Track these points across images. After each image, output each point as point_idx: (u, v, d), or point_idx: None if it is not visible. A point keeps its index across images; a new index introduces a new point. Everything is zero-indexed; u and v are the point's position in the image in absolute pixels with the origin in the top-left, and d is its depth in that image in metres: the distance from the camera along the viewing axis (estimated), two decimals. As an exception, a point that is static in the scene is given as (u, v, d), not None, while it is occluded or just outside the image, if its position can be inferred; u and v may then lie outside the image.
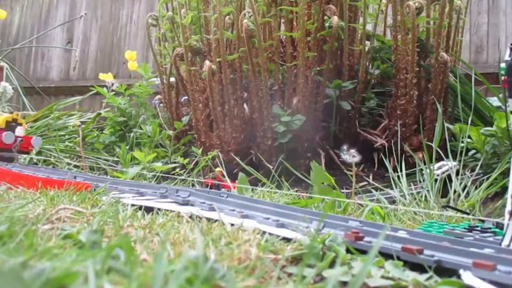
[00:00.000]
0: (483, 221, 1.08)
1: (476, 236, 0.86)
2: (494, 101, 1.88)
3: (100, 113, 2.71)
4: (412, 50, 1.77)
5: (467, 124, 1.62)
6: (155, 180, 1.88)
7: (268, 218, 0.94)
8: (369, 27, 2.05)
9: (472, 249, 0.72)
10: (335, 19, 1.75)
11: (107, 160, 2.31)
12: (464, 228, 0.92)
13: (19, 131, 1.85)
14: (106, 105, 2.73)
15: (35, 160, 2.35)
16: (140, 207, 1.09)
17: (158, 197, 1.20)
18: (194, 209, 1.06)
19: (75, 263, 0.48)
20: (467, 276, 0.62)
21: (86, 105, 3.53)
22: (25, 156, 2.07)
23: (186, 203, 1.13)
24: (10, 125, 1.84)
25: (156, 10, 2.51)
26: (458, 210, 1.21)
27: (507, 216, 0.78)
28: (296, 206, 1.22)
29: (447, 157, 1.56)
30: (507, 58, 0.79)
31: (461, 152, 1.53)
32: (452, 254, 0.70)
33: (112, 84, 2.80)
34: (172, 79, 2.35)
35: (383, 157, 1.75)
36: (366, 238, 0.79)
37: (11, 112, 1.97)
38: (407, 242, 0.75)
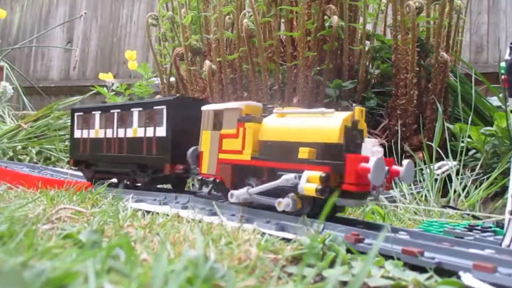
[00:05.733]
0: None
1: (476, 235, 0.86)
2: (494, 100, 1.88)
3: (100, 113, 2.71)
4: (412, 49, 1.77)
5: (467, 123, 1.62)
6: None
7: (268, 222, 0.94)
8: (369, 26, 2.04)
9: (472, 250, 0.72)
10: (335, 18, 1.75)
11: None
12: (464, 228, 0.92)
13: (374, 149, 0.88)
14: (106, 105, 2.73)
15: (35, 160, 2.35)
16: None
17: (158, 205, 1.19)
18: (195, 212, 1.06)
19: (75, 263, 0.48)
20: (467, 278, 0.62)
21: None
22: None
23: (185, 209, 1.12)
24: (351, 136, 0.91)
25: (156, 10, 2.51)
26: (458, 210, 1.21)
27: (507, 216, 0.78)
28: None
29: (447, 156, 1.56)
30: (507, 57, 0.79)
31: (461, 152, 1.53)
32: (452, 256, 0.70)
33: (112, 84, 2.81)
34: (172, 79, 2.35)
35: (383, 156, 1.74)
36: (367, 240, 0.79)
37: (349, 105, 0.92)
38: (408, 244, 0.75)
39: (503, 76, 0.80)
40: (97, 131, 1.47)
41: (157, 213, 1.00)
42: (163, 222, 0.87)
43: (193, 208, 1.10)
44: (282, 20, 1.99)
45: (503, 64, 0.80)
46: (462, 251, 0.71)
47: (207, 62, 1.90)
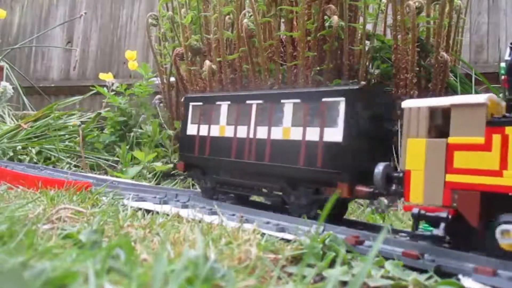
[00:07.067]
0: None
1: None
2: (494, 100, 1.88)
3: (100, 113, 2.72)
4: (412, 49, 1.77)
5: (467, 123, 1.62)
6: (155, 180, 1.88)
7: (268, 222, 0.94)
8: (369, 26, 2.04)
9: (472, 253, 0.71)
10: (335, 18, 1.75)
11: (107, 160, 2.31)
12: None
13: None
14: (106, 104, 2.74)
15: (35, 160, 2.35)
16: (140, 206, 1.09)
17: (158, 203, 1.19)
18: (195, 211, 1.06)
19: (75, 263, 0.48)
20: (466, 281, 0.62)
21: (86, 105, 3.53)
22: None
23: (185, 207, 1.13)
24: None
25: (156, 9, 2.51)
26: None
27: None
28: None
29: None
30: (507, 57, 0.79)
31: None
32: (452, 259, 0.70)
33: (112, 84, 2.81)
34: (172, 79, 2.35)
35: (383, 156, 1.74)
36: (367, 242, 0.79)
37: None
38: (408, 246, 0.75)
39: (503, 76, 0.80)
40: (222, 128, 1.12)
41: (157, 213, 1.00)
42: (163, 222, 0.87)
43: (193, 207, 1.10)
44: (282, 20, 1.99)
45: (503, 64, 0.80)
46: (462, 253, 0.71)
47: (207, 62, 1.90)
